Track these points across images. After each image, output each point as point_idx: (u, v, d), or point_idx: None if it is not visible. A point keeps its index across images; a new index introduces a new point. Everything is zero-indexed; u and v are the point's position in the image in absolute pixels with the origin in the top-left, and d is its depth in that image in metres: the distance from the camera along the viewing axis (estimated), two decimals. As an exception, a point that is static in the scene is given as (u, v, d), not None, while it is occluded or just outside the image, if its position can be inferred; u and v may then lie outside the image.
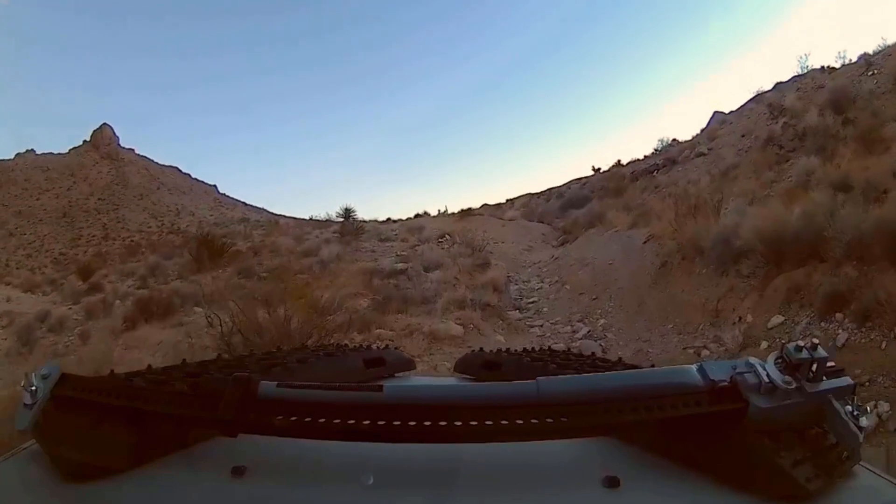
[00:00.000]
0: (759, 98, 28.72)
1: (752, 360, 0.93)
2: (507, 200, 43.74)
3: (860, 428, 0.94)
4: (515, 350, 1.88)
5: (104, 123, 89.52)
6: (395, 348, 2.33)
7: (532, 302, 15.20)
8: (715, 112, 34.62)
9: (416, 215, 35.19)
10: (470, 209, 31.78)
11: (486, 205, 40.46)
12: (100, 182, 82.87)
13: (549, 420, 0.86)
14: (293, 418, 0.90)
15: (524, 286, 17.15)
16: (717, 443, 0.93)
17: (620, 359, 1.70)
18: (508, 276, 17.61)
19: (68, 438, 1.00)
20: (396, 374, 1.84)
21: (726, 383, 0.90)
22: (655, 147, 34.72)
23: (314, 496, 0.96)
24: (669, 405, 0.88)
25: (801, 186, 12.59)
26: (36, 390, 1.03)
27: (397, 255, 19.87)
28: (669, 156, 28.49)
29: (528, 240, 24.80)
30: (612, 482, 0.92)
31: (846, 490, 0.93)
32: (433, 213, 34.99)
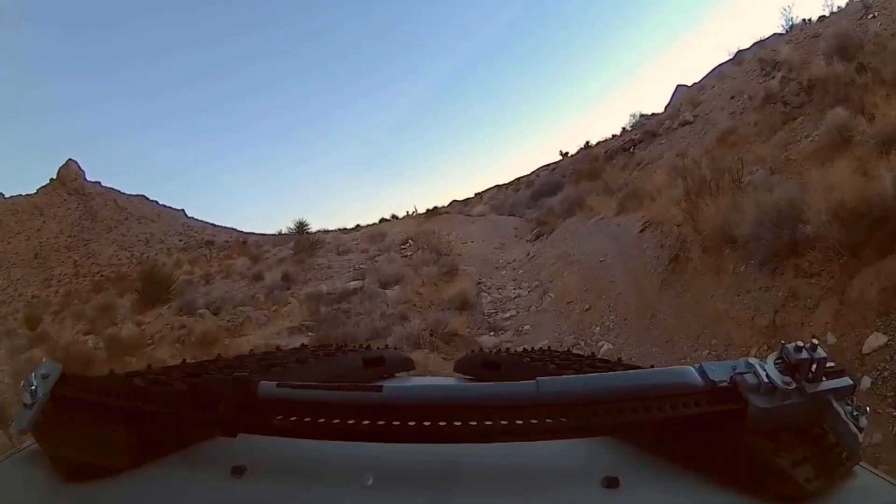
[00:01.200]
0: (739, 58, 26.47)
1: (752, 360, 0.92)
2: (476, 195, 43.31)
3: (860, 428, 0.92)
4: (515, 350, 1.85)
5: (69, 159, 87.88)
6: (395, 348, 2.09)
7: (509, 318, 13.01)
8: (678, 86, 33.19)
9: (382, 220, 34.82)
10: (436, 208, 30.68)
11: (455, 201, 40.38)
12: (69, 219, 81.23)
13: (548, 420, 0.86)
14: (293, 418, 0.90)
15: (498, 295, 15.12)
16: (716, 443, 0.93)
17: (620, 359, 1.66)
18: (480, 284, 15.98)
19: (68, 438, 1.00)
20: (396, 374, 1.85)
21: (726, 383, 0.90)
22: (627, 124, 32.40)
23: (314, 496, 0.95)
24: (669, 405, 0.88)
25: (834, 145, 10.18)
26: (36, 390, 1.02)
27: (354, 270, 18.57)
28: (648, 129, 25.98)
29: (499, 236, 23.10)
30: (611, 482, 0.92)
31: (846, 490, 0.92)
32: (402, 214, 34.43)
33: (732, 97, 20.42)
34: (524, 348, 1.92)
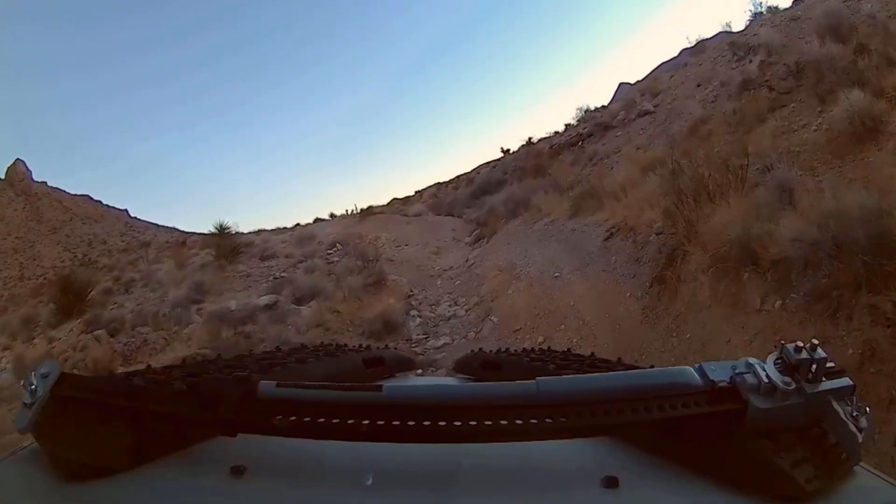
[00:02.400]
0: (701, 46, 24.17)
1: (752, 360, 0.92)
2: (416, 192, 41.92)
3: (860, 429, 0.92)
4: (515, 350, 1.85)
5: (17, 159, 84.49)
6: (395, 348, 2.05)
7: (443, 347, 10.49)
8: (621, 84, 31.65)
9: (317, 219, 33.30)
10: (371, 207, 28.91)
11: (395, 199, 39.21)
12: (16, 220, 78.42)
13: (548, 420, 0.86)
14: (293, 418, 0.89)
15: (431, 313, 12.84)
16: (716, 443, 0.92)
17: (620, 359, 1.62)
18: (410, 297, 14.12)
19: (68, 438, 0.99)
20: (396, 374, 1.84)
21: (726, 384, 0.89)
22: (573, 119, 29.50)
23: (314, 496, 0.95)
24: (669, 405, 0.88)
25: (855, 135, 8.18)
26: (35, 389, 1.01)
27: (273, 280, 16.37)
28: (599, 121, 23.55)
29: (436, 239, 21.31)
30: (610, 482, 0.92)
31: (846, 491, 0.92)
32: (339, 212, 32.36)
33: (699, 84, 18.72)
34: (524, 348, 1.92)
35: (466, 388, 1.09)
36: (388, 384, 0.93)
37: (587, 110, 28.35)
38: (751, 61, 16.24)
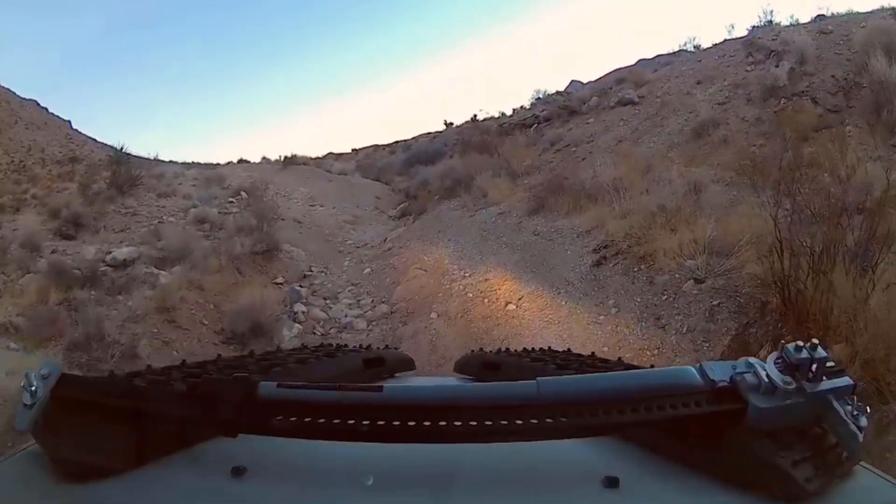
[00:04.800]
0: (686, 51, 22.03)
1: (752, 360, 0.91)
2: (353, 150, 38.89)
3: (860, 428, 0.91)
4: (515, 350, 1.84)
5: None
6: (395, 348, 2.26)
7: None
8: (572, 81, 27.81)
9: (241, 160, 30.13)
10: (295, 157, 25.89)
11: (330, 153, 36.23)
12: None
13: (548, 420, 0.85)
14: (293, 419, 0.89)
15: (323, 314, 10.08)
16: (716, 443, 0.92)
17: (620, 359, 1.63)
18: (306, 278, 11.58)
19: (68, 439, 0.99)
20: (396, 374, 1.82)
21: (726, 384, 0.88)
22: (525, 103, 26.07)
23: (314, 496, 0.95)
24: (669, 405, 0.87)
25: None
26: (35, 390, 1.00)
27: (153, 226, 13.65)
28: (563, 105, 20.40)
29: (356, 205, 18.74)
30: (611, 482, 0.91)
31: (846, 490, 0.91)
32: (273, 156, 28.56)
33: (699, 82, 16.12)
34: (524, 348, 1.89)
35: (466, 388, 1.12)
36: (388, 384, 0.93)
37: (545, 93, 24.87)
38: (777, 66, 14.00)
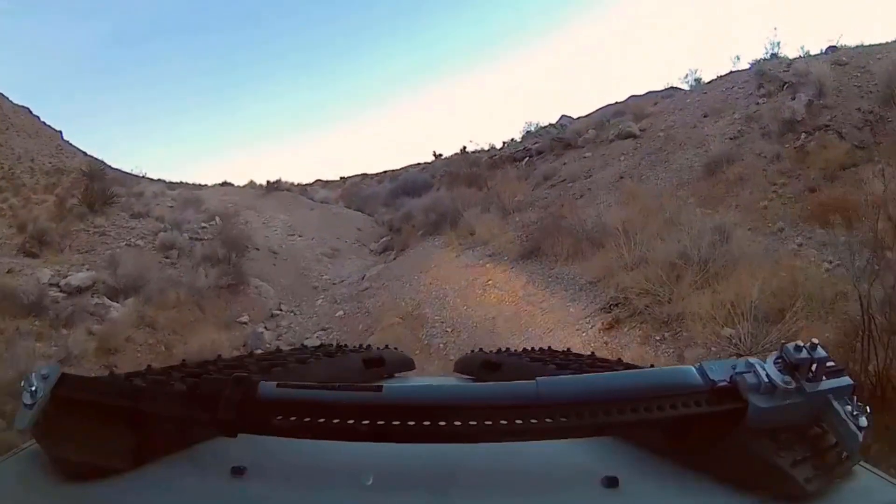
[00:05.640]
0: (678, 89, 21.29)
1: (752, 360, 0.90)
2: (341, 178, 39.12)
3: (860, 428, 0.90)
4: (515, 350, 1.82)
5: None
6: (395, 348, 2.16)
7: None
8: (562, 116, 27.28)
9: (224, 183, 29.52)
10: (279, 182, 25.25)
11: (319, 180, 36.61)
12: None
13: (548, 420, 0.84)
14: (293, 418, 0.88)
15: None
16: (716, 443, 0.91)
17: (620, 359, 1.59)
18: (272, 318, 10.67)
19: (68, 439, 0.98)
20: (396, 375, 1.81)
21: (726, 383, 0.88)
22: (515, 135, 25.31)
23: (314, 496, 0.94)
24: (669, 405, 0.86)
25: None
26: (36, 390, 0.99)
27: (121, 248, 12.97)
28: (558, 138, 19.61)
29: (336, 235, 17.76)
30: (611, 482, 0.91)
31: (846, 490, 0.90)
32: (263, 180, 27.76)
33: (706, 115, 15.32)
34: (524, 348, 1.88)
35: (466, 388, 1.10)
36: (387, 385, 0.92)
37: (537, 126, 24.31)
38: (793, 98, 13.30)
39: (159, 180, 26.33)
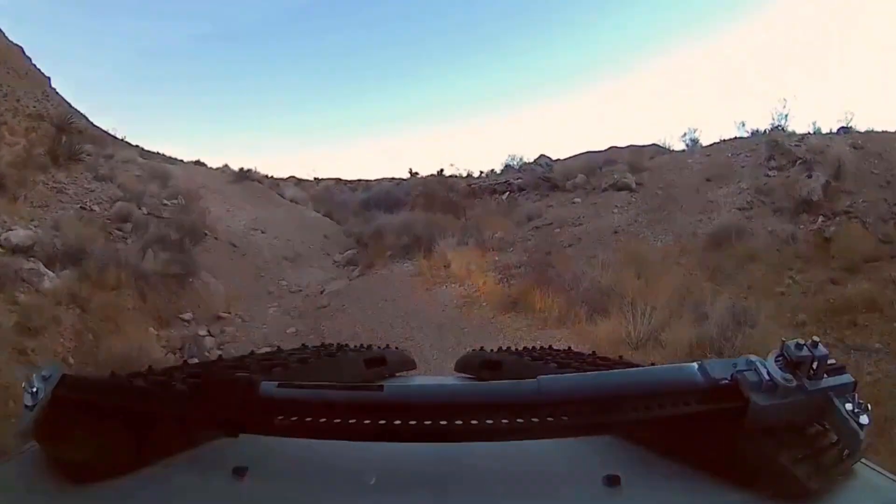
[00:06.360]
0: (662, 146, 20.92)
1: (753, 358, 0.90)
2: (315, 179, 37.38)
3: (861, 426, 0.90)
4: (516, 349, 1.84)
5: None
6: (396, 348, 2.20)
7: None
8: (541, 155, 24.81)
9: (197, 162, 28.33)
10: (250, 171, 23.93)
11: (293, 176, 35.01)
12: None
13: (549, 419, 0.84)
14: (294, 418, 0.88)
15: None
16: (717, 441, 0.91)
17: (621, 357, 1.67)
18: (217, 323, 9.62)
19: (69, 440, 0.99)
20: (397, 374, 1.81)
21: (727, 381, 0.88)
22: (495, 166, 24.99)
23: (315, 496, 0.95)
24: (670, 403, 0.86)
25: None
26: (36, 391, 1.00)
27: (74, 210, 12.06)
28: (543, 176, 18.77)
29: (301, 239, 16.73)
30: (612, 480, 0.91)
31: (847, 488, 0.91)
32: (236, 166, 26.43)
33: (709, 179, 14.68)
34: (525, 347, 1.90)
35: (467, 387, 1.11)
36: (388, 384, 0.93)
37: (520, 160, 23.26)
38: (809, 176, 12.62)
39: (136, 146, 25.28)
